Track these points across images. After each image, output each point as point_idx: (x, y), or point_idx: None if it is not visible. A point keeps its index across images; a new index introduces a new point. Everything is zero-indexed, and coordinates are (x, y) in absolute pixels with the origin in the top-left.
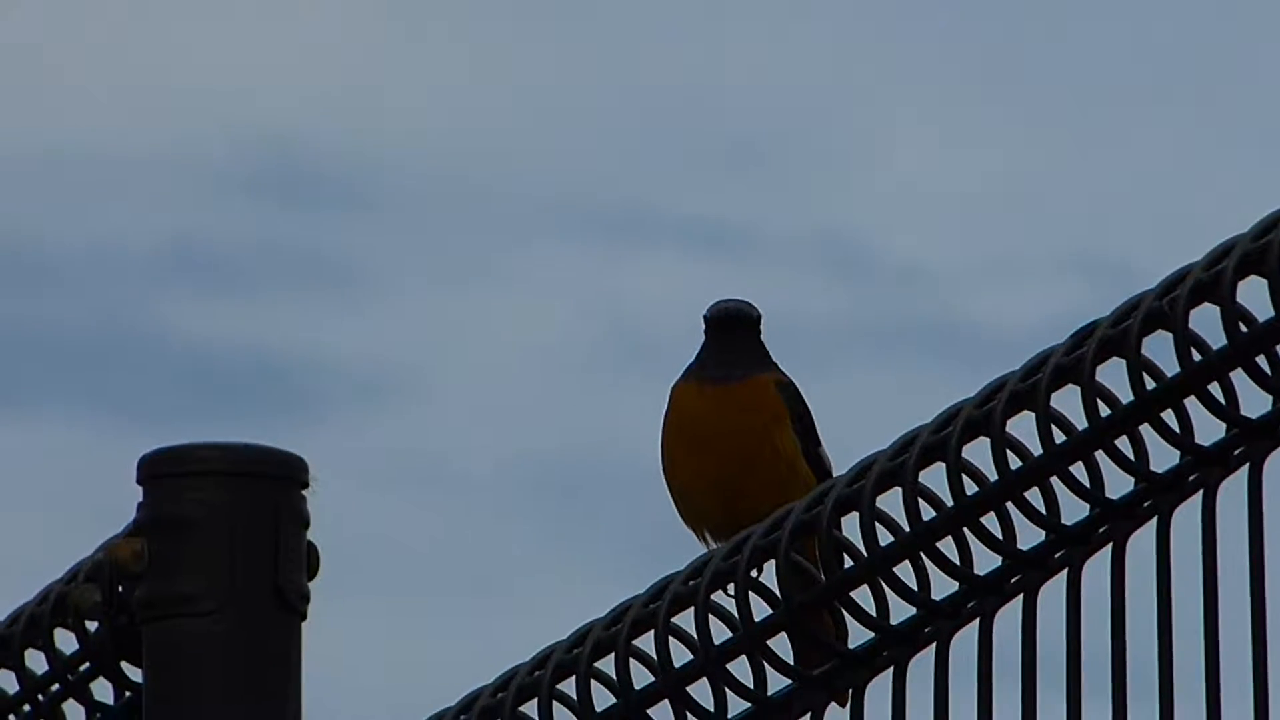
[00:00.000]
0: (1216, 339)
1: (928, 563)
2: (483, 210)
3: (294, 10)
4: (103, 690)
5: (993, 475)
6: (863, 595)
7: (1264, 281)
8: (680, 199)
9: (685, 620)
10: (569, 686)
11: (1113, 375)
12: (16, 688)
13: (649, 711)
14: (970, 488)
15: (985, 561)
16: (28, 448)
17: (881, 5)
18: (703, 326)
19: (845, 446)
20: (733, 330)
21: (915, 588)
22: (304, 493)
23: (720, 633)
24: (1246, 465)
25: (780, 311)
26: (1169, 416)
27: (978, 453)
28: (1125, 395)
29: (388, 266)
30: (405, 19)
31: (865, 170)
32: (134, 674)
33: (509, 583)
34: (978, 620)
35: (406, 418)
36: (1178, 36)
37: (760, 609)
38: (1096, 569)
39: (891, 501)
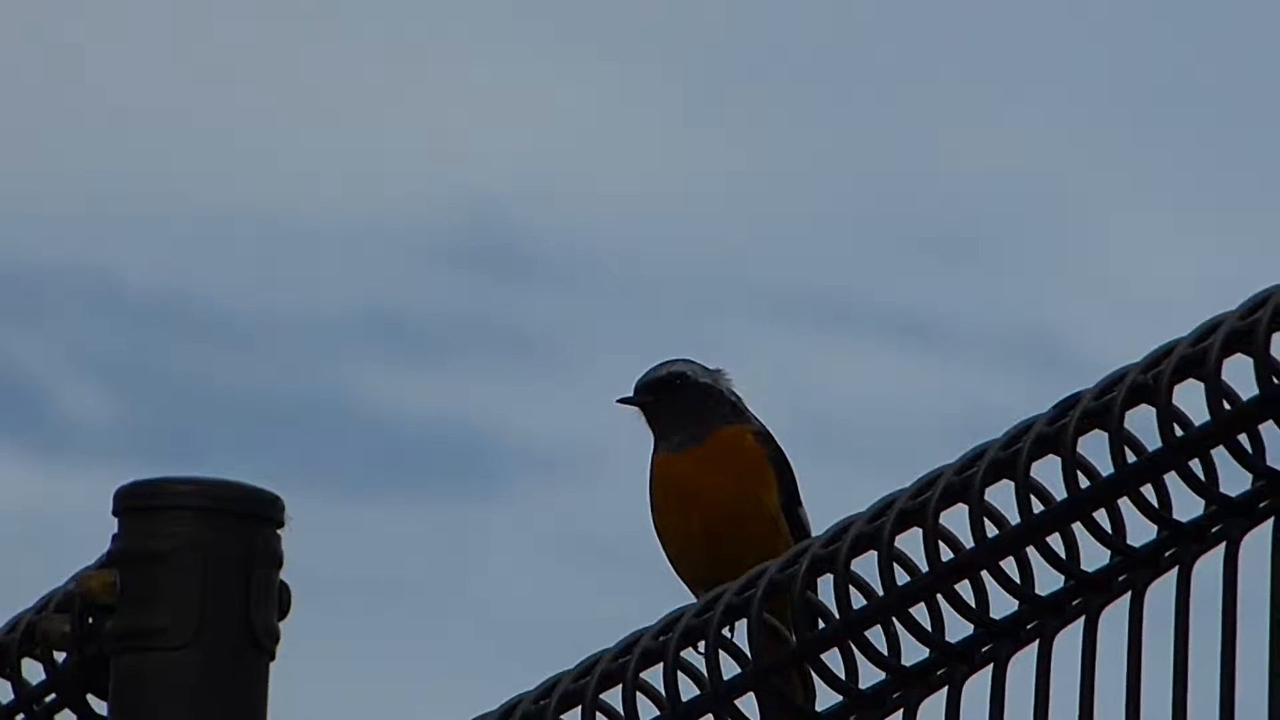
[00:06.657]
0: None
1: (899, 627)
2: (684, 292)
3: (510, 85)
4: None
5: (969, 541)
6: (832, 658)
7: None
8: (886, 288)
9: (654, 675)
10: None
11: (1094, 447)
12: None
13: None
14: (946, 553)
15: (958, 628)
16: None
17: (1102, 100)
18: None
19: None
20: (670, 394)
21: (885, 652)
22: (279, 532)
23: (688, 690)
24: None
25: (970, 404)
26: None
27: (955, 519)
28: (1105, 468)
29: (582, 343)
30: (623, 101)
31: (1075, 265)
32: (99, 707)
33: None
34: (946, 688)
35: (583, 496)
36: None
37: (730, 668)
38: (1068, 639)
39: (866, 565)
